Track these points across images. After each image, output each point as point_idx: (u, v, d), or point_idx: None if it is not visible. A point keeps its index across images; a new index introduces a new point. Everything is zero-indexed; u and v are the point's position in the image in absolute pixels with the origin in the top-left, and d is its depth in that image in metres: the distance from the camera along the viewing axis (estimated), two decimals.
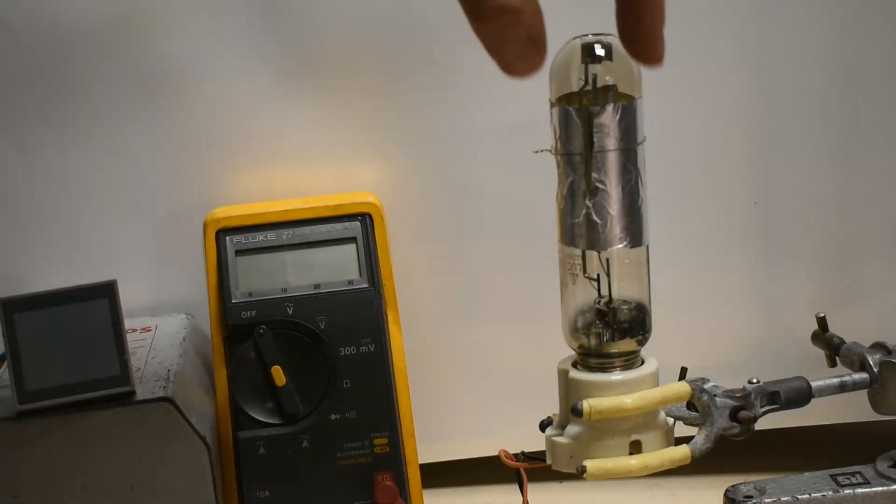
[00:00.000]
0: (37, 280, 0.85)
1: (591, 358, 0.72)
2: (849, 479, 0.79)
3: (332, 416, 0.80)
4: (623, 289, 0.73)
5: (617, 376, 0.71)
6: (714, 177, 0.89)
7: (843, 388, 0.79)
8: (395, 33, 0.86)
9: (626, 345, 0.73)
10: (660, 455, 0.71)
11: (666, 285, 0.78)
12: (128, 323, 0.74)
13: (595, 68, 0.70)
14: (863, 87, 0.88)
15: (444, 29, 0.86)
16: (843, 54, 0.87)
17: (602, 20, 0.77)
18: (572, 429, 0.72)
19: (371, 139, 0.88)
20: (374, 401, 0.80)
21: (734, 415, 0.74)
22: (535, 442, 0.75)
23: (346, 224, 0.83)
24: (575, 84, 0.70)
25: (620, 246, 0.71)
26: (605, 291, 0.72)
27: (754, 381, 0.76)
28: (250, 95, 0.87)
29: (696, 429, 0.74)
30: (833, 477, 0.80)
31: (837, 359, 0.83)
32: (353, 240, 0.83)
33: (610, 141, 0.70)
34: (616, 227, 0.71)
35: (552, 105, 0.72)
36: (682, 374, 0.76)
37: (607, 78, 0.70)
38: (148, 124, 0.87)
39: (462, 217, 0.89)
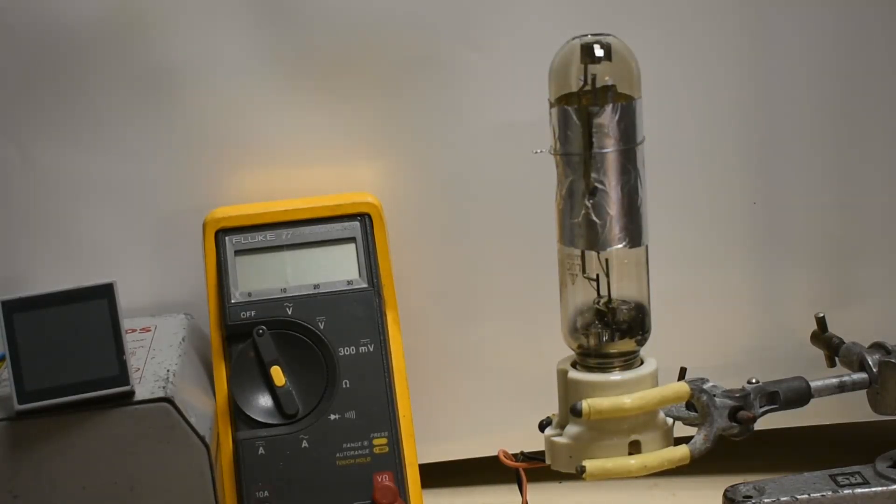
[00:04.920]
0: (37, 280, 0.85)
1: (590, 358, 0.72)
2: (848, 479, 0.79)
3: (332, 416, 0.80)
4: (622, 289, 0.73)
5: (616, 376, 0.71)
6: (714, 177, 0.89)
7: (842, 388, 0.78)
8: (394, 33, 0.86)
9: (626, 345, 0.73)
10: (659, 455, 0.71)
11: (666, 285, 0.78)
12: (127, 323, 0.74)
13: (594, 68, 0.70)
14: (862, 87, 0.88)
15: (443, 29, 0.86)
16: (842, 55, 0.87)
17: (602, 20, 0.77)
18: (572, 429, 0.72)
19: (370, 139, 0.88)
20: (373, 401, 0.80)
21: (733, 415, 0.74)
22: (535, 442, 0.75)
23: (346, 224, 0.83)
24: (574, 84, 0.70)
25: (619, 246, 0.71)
26: (604, 291, 0.72)
27: (754, 381, 0.76)
28: (250, 96, 0.87)
29: (696, 429, 0.74)
30: (832, 477, 0.80)
31: (837, 359, 0.82)
32: (352, 240, 0.83)
33: (609, 141, 0.70)
34: (615, 227, 0.71)
35: (551, 105, 0.72)
36: (682, 374, 0.76)
37: (606, 78, 0.70)
38: (148, 124, 0.87)
39: (462, 217, 0.89)
